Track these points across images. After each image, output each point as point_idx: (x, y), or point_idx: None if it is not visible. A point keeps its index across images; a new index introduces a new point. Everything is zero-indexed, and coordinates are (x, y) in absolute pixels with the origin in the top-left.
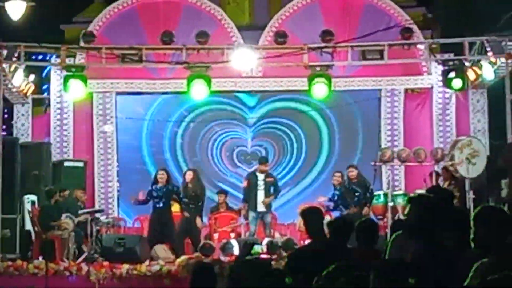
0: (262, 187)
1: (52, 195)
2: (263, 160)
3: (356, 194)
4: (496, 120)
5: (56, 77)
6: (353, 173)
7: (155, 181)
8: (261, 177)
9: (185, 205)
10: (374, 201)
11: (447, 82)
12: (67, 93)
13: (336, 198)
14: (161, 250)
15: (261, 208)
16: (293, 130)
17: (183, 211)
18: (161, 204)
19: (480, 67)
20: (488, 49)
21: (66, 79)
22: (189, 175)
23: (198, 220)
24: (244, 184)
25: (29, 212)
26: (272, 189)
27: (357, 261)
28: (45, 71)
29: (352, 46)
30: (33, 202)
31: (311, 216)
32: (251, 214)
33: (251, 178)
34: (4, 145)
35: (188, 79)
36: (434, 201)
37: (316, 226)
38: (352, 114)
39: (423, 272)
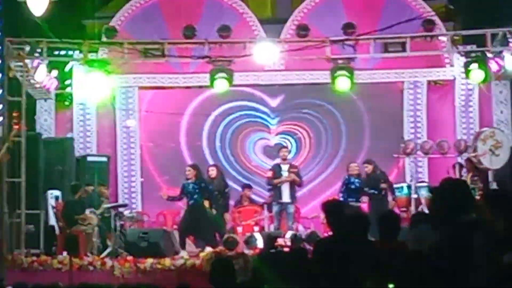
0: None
1: (77, 190)
2: (281, 146)
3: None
4: None
5: (78, 73)
6: (368, 168)
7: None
8: (285, 167)
9: (213, 202)
10: (397, 193)
11: (467, 74)
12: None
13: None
14: (190, 245)
15: (285, 198)
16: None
17: (211, 207)
18: (191, 201)
19: (503, 58)
20: (511, 40)
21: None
22: (212, 171)
23: (226, 215)
24: (269, 174)
25: (53, 207)
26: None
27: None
28: (68, 67)
29: (374, 39)
30: (56, 197)
31: (333, 209)
32: (275, 208)
33: (275, 169)
34: (28, 140)
35: (210, 73)
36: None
37: (337, 219)
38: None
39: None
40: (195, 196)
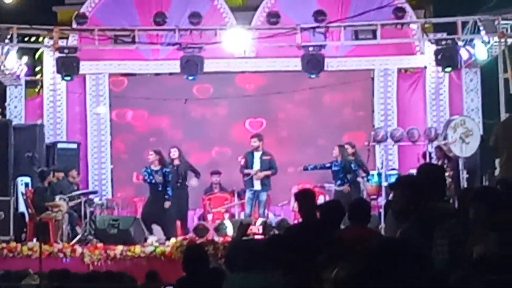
0: (258, 165)
1: (45, 176)
2: (253, 135)
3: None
4: (490, 99)
5: (49, 59)
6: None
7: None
8: (257, 155)
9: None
10: (367, 181)
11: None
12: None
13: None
14: (158, 230)
15: (256, 186)
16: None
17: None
18: (157, 186)
19: (473, 46)
20: (481, 28)
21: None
22: (174, 152)
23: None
24: (241, 162)
25: (22, 194)
26: (268, 168)
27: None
28: (38, 53)
29: (344, 26)
30: (26, 184)
31: (305, 198)
32: (247, 194)
33: (247, 157)
34: None
35: (181, 60)
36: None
37: (308, 207)
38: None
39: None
40: (158, 181)
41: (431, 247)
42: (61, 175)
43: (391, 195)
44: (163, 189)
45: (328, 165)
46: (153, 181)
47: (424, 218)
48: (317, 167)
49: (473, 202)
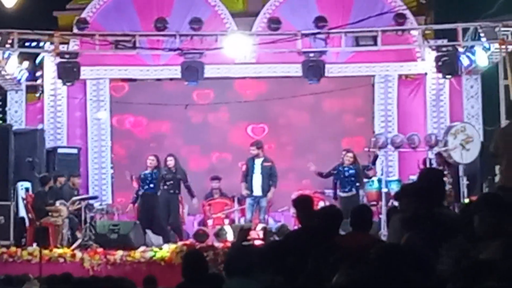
0: (259, 171)
1: (46, 181)
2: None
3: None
4: (490, 106)
5: (49, 64)
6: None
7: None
8: (258, 161)
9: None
10: (368, 187)
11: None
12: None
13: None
14: (154, 236)
15: (257, 192)
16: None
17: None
18: (150, 190)
19: (474, 53)
20: (482, 35)
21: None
22: (170, 161)
23: (194, 200)
24: (243, 168)
25: (23, 199)
26: (268, 174)
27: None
28: (39, 58)
29: (345, 32)
30: (27, 189)
31: (302, 204)
32: (248, 201)
33: (248, 163)
34: None
35: (181, 66)
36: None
37: (306, 213)
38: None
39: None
40: (151, 185)
41: (436, 256)
42: (63, 180)
43: (392, 201)
44: (153, 192)
45: (341, 169)
46: (145, 186)
47: (431, 227)
48: (331, 174)
49: (478, 209)
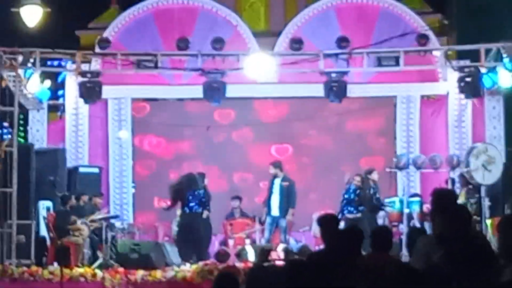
0: (278, 191)
1: (66, 200)
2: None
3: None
4: None
5: (71, 83)
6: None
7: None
8: (277, 181)
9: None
10: (389, 207)
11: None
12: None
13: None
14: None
15: (275, 212)
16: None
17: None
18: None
19: (496, 74)
20: (504, 55)
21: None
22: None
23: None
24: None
25: (44, 218)
26: (286, 194)
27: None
28: (61, 77)
29: (368, 53)
30: (48, 208)
31: (328, 223)
32: (267, 220)
33: (270, 182)
34: (19, 151)
35: (203, 86)
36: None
37: (331, 233)
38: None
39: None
40: (192, 204)
41: (460, 281)
42: (86, 198)
43: (414, 222)
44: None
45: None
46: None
47: (458, 250)
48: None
49: (498, 230)
